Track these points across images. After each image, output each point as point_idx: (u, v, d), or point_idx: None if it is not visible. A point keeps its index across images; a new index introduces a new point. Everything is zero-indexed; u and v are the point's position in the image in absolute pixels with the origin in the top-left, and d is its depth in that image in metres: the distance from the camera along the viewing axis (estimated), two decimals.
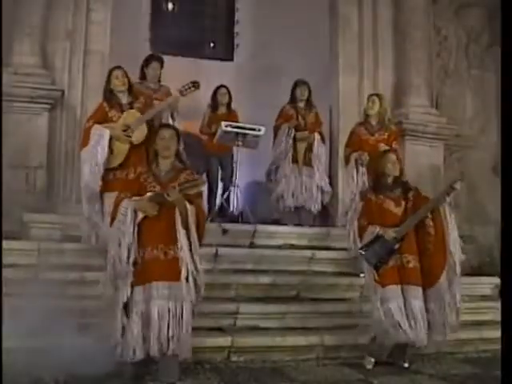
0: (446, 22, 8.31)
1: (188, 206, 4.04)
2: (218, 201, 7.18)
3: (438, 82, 8.13)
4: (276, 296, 5.52)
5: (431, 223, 4.72)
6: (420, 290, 4.65)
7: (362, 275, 5.38)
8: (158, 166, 4.31)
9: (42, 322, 4.04)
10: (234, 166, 7.10)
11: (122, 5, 7.69)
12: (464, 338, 5.46)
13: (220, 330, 4.94)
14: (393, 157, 4.97)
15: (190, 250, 4.05)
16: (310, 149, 7.03)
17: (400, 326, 4.51)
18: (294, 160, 6.99)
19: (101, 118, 5.39)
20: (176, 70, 7.70)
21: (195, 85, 5.55)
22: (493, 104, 8.30)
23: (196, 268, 4.06)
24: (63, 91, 6.58)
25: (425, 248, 4.73)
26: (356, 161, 6.31)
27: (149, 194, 4.11)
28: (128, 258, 4.01)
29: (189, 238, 4.06)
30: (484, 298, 6.37)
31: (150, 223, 4.08)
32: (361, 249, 4.75)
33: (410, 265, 4.67)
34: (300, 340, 4.95)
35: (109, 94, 5.52)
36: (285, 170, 6.98)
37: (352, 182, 6.36)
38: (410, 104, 7.59)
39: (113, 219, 4.12)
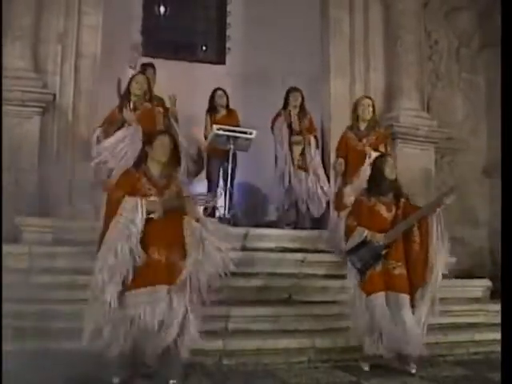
0: (437, 26, 8.34)
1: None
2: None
3: (429, 85, 8.15)
4: (267, 299, 5.51)
5: (417, 232, 4.72)
6: (407, 298, 4.63)
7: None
8: (148, 169, 4.31)
9: (32, 325, 4.04)
10: (228, 168, 7.07)
11: (114, 8, 7.69)
12: (455, 340, 5.49)
13: (212, 333, 4.93)
14: (391, 161, 5.00)
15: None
16: (304, 153, 7.13)
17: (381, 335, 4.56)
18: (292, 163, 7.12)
19: (113, 122, 5.85)
20: (168, 74, 7.70)
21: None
22: (483, 107, 8.34)
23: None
24: (54, 95, 6.54)
25: (409, 256, 4.73)
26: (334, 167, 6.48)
27: (152, 198, 4.13)
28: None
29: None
30: (475, 300, 6.37)
31: (154, 226, 4.08)
32: (347, 252, 4.77)
33: (396, 272, 4.67)
34: (292, 343, 4.94)
35: (125, 96, 5.88)
36: (290, 174, 7.10)
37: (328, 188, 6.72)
38: (401, 107, 7.58)
39: (110, 214, 4.05)
